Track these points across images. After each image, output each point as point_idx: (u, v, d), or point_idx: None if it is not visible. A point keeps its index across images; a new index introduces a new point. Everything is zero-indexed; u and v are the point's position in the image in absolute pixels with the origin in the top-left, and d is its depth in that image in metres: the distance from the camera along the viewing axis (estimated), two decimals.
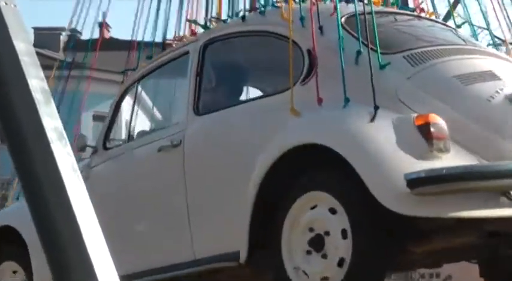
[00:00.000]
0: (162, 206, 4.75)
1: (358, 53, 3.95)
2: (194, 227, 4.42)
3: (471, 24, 4.94)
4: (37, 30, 22.75)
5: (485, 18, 5.27)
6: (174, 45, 5.50)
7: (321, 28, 4.16)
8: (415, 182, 3.39)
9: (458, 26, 5.06)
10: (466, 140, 3.66)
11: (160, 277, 4.59)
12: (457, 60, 4.10)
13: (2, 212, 6.06)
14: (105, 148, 5.27)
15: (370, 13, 4.16)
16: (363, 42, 3.97)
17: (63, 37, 23.32)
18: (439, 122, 3.56)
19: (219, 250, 4.21)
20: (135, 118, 5.32)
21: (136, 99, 5.32)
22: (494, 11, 4.78)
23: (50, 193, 1.80)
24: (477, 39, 5.03)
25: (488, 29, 5.44)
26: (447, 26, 5.06)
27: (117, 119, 5.42)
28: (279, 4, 4.61)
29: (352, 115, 3.87)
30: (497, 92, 3.82)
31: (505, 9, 4.95)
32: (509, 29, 5.15)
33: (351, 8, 4.38)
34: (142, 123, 5.58)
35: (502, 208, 3.48)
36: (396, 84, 3.88)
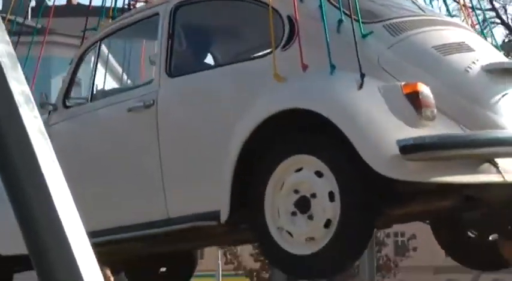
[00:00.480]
0: (132, 165, 4.78)
1: (340, 21, 4.01)
2: (168, 187, 4.46)
3: None
4: None
5: None
6: (137, 6, 5.63)
7: None
8: (408, 149, 3.59)
9: None
10: (448, 109, 3.79)
11: (131, 235, 4.62)
12: (432, 31, 4.26)
13: None
14: (65, 106, 5.23)
15: None
16: (344, 12, 4.02)
17: (31, 3, 24.15)
18: (426, 90, 3.74)
19: (195, 209, 4.28)
20: (97, 78, 5.28)
21: (98, 59, 5.27)
22: None
23: (18, 155, 1.88)
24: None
25: None
26: None
27: (76, 77, 5.37)
28: None
29: (340, 82, 3.99)
30: (473, 62, 4.01)
31: None
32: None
33: None
34: (105, 84, 5.53)
35: (487, 174, 3.71)
36: (378, 53, 4.00)
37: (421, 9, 4.77)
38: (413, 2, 4.94)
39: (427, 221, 5.33)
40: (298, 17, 4.15)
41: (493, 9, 19.03)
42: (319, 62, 3.99)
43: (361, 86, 3.79)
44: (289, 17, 4.21)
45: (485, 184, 3.81)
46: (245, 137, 4.04)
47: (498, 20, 19.34)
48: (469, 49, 4.19)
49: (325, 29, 3.98)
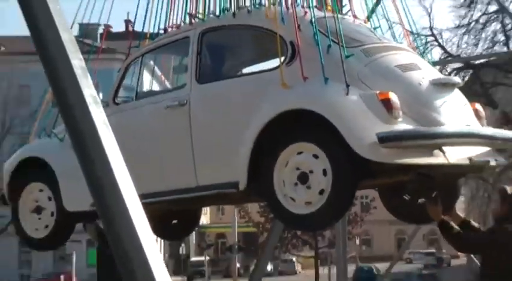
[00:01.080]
0: (169, 148, 5.93)
1: (329, 46, 5.12)
2: (198, 164, 5.63)
3: (390, 27, 6.36)
4: (81, 26, 24.41)
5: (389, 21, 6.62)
6: (171, 31, 6.55)
7: (298, 26, 5.28)
8: (384, 139, 4.66)
9: (375, 28, 6.29)
10: (408, 111, 4.90)
11: (171, 198, 5.87)
12: (393, 54, 5.44)
13: (28, 146, 7.07)
14: (115, 103, 6.36)
15: (334, 17, 5.35)
16: (332, 39, 5.14)
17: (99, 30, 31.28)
18: (394, 97, 4.81)
19: (219, 180, 5.45)
20: (140, 82, 6.43)
21: (141, 68, 6.41)
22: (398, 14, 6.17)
23: (89, 139, 2.56)
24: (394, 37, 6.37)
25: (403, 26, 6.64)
26: (370, 28, 6.30)
27: (122, 84, 6.49)
28: (265, 6, 5.78)
29: (331, 90, 4.97)
30: (423, 78, 5.17)
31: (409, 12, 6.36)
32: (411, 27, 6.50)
33: (317, 12, 5.55)
34: (147, 87, 6.71)
35: (436, 157, 4.86)
36: (357, 70, 5.07)
37: (378, 37, 5.99)
38: (371, 31, 6.13)
39: (376, 188, 6.49)
40: (298, 42, 5.22)
41: (432, 34, 22.79)
42: (315, 75, 5.03)
43: (347, 93, 4.85)
44: (291, 42, 5.28)
45: (434, 164, 4.94)
46: (260, 128, 5.09)
47: (436, 43, 22.75)
48: (418, 68, 5.38)
49: (320, 52, 5.06)
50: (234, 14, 5.92)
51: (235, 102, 5.62)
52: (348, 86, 4.87)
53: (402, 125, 4.83)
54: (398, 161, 4.79)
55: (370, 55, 5.28)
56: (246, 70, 6.41)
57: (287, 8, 5.62)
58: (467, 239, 5.63)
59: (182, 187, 5.74)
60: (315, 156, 4.96)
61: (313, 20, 5.34)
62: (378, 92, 4.86)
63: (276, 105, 5.15)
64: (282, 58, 5.27)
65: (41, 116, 7.25)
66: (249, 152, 5.15)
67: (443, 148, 4.93)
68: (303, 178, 4.99)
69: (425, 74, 5.30)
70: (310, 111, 4.90)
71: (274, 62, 5.49)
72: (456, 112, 5.26)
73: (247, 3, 6.09)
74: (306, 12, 5.51)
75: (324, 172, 4.89)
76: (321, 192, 4.92)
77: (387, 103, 4.78)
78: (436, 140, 4.96)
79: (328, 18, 5.41)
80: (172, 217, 7.26)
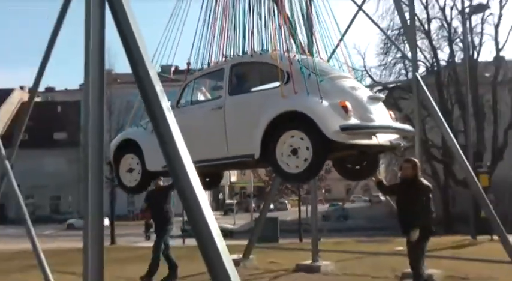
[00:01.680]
0: (212, 133, 7.80)
1: (309, 74, 7.07)
2: (229, 143, 7.67)
3: (340, 65, 8.96)
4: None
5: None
6: (212, 65, 8.63)
7: (291, 63, 7.18)
8: (344, 128, 6.59)
9: (333, 66, 8.71)
10: (355, 113, 6.89)
11: (210, 163, 7.93)
12: (345, 80, 7.41)
13: (126, 132, 9.42)
14: (177, 107, 8.36)
15: (312, 59, 7.55)
16: (311, 71, 7.09)
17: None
18: (348, 104, 6.71)
19: (242, 152, 7.42)
20: (194, 95, 8.62)
21: (193, 86, 8.64)
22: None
23: (164, 130, 4.04)
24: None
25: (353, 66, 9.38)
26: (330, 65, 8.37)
27: (182, 96, 8.62)
28: (271, 51, 7.90)
29: (312, 100, 6.80)
30: (363, 94, 7.26)
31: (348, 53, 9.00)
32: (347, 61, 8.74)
33: (302, 56, 7.67)
34: (197, 98, 8.77)
35: (371, 140, 6.95)
36: (326, 89, 6.92)
37: (337, 70, 8.01)
38: (332, 67, 8.16)
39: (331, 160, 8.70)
40: (291, 72, 7.16)
41: (365, 69, 34.80)
42: (302, 91, 6.90)
43: (321, 102, 6.69)
44: (287, 72, 7.18)
45: (371, 144, 7.02)
46: (269, 121, 6.91)
47: (367, 74, 34.44)
48: (359, 88, 7.40)
49: (304, 78, 6.96)
50: (252, 55, 8.02)
51: (252, 106, 7.41)
52: (321, 97, 6.73)
53: (353, 121, 6.73)
54: (351, 142, 6.74)
55: (333, 80, 7.23)
56: (258, 88, 8.29)
57: (283, 52, 7.55)
58: (388, 188, 9.01)
59: (220, 157, 7.77)
60: (302, 138, 6.81)
61: (299, 60, 7.36)
62: (339, 101, 6.73)
63: (279, 108, 6.97)
64: (281, 81, 7.20)
65: (134, 115, 9.87)
66: (261, 136, 7.04)
67: (376, 134, 7.02)
68: (294, 152, 6.90)
69: (363, 92, 7.31)
70: (299, 112, 6.74)
71: (276, 84, 7.42)
72: (381, 115, 7.31)
73: (258, 49, 8.07)
74: (295, 55, 7.52)
75: (307, 148, 6.76)
76: (305, 160, 6.80)
77: (345, 108, 6.69)
78: (372, 130, 6.99)
79: (308, 59, 7.43)
80: (207, 176, 9.60)
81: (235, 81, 8.08)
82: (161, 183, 11.32)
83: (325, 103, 6.73)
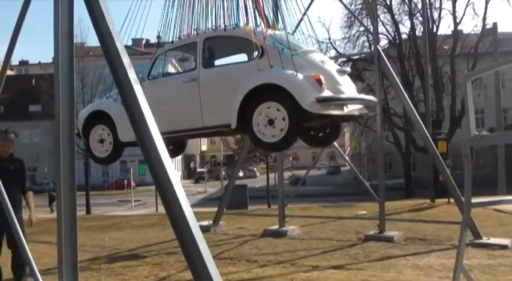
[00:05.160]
0: (186, 104, 7.84)
1: (283, 49, 7.16)
2: (204, 113, 7.69)
3: (305, 38, 9.14)
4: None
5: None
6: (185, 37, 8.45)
7: (264, 37, 7.25)
8: (320, 100, 6.77)
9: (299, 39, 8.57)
10: (327, 86, 7.09)
11: (185, 133, 8.08)
12: (315, 54, 7.58)
13: (95, 104, 9.27)
14: (149, 79, 8.41)
15: (285, 33, 7.58)
16: (284, 46, 7.13)
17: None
18: (322, 78, 6.88)
19: (218, 122, 7.51)
20: (165, 68, 8.58)
21: (165, 60, 8.60)
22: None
23: (131, 100, 4.03)
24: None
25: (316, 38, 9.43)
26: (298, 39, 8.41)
27: (153, 68, 8.59)
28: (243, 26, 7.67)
29: (287, 73, 6.94)
30: (332, 67, 7.62)
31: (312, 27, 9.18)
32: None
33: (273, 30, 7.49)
34: (169, 70, 8.53)
35: (342, 111, 7.23)
36: (299, 62, 7.04)
37: (306, 44, 8.03)
38: (301, 41, 8.22)
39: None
40: (266, 46, 7.28)
41: (330, 42, 34.25)
42: (277, 65, 7.00)
43: (296, 75, 6.86)
44: (261, 46, 7.29)
45: (339, 115, 7.27)
46: (245, 93, 7.02)
47: (332, 46, 33.77)
48: (328, 62, 7.68)
49: (279, 52, 7.05)
50: (224, 29, 8.04)
51: (228, 79, 7.51)
52: (296, 71, 6.87)
53: (326, 93, 6.90)
54: (325, 112, 6.95)
55: (305, 54, 7.34)
56: (233, 61, 8.46)
57: (255, 27, 7.54)
58: None
59: (195, 127, 7.85)
60: (278, 109, 6.93)
61: (272, 34, 7.44)
62: (313, 74, 6.91)
63: (256, 80, 7.06)
64: (256, 54, 7.32)
65: (102, 87, 9.97)
66: (238, 106, 7.12)
67: (346, 105, 7.23)
68: (271, 122, 7.01)
69: (332, 66, 7.48)
70: (276, 84, 6.88)
71: (251, 57, 7.39)
72: (349, 87, 7.51)
73: (231, 23, 8.02)
74: (267, 30, 7.54)
75: (283, 119, 6.88)
76: (281, 130, 6.95)
77: (319, 81, 6.91)
78: (343, 101, 7.23)
79: (281, 34, 7.49)
80: (171, 144, 9.30)
81: (209, 55, 8.12)
82: None
83: (300, 76, 6.93)
